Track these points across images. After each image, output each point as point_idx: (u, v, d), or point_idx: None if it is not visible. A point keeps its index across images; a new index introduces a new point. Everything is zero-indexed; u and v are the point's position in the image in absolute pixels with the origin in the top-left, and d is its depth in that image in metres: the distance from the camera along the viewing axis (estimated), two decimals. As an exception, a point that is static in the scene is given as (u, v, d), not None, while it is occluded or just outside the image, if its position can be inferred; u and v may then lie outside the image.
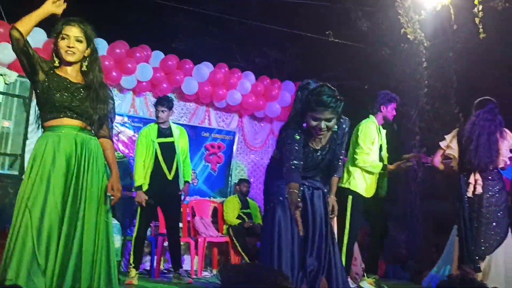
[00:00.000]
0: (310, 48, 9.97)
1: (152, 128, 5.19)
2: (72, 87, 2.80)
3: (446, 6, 6.19)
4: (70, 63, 2.83)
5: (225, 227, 6.39)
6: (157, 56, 6.57)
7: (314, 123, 3.09)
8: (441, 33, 6.75)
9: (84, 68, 2.87)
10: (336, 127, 3.17)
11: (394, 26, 6.84)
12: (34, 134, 5.89)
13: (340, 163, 3.44)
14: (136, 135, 6.11)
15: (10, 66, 5.59)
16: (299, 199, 3.07)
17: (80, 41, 2.80)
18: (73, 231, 2.67)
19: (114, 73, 6.12)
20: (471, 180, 4.01)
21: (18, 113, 5.55)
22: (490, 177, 4.02)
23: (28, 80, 5.67)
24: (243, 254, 5.96)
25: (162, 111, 5.13)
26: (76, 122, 2.79)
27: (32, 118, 5.75)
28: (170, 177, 5.11)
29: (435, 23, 6.59)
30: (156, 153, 5.08)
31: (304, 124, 3.16)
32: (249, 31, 10.04)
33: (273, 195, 3.31)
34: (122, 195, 2.89)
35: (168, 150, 5.14)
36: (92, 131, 2.88)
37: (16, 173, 5.43)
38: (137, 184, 5.06)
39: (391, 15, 6.82)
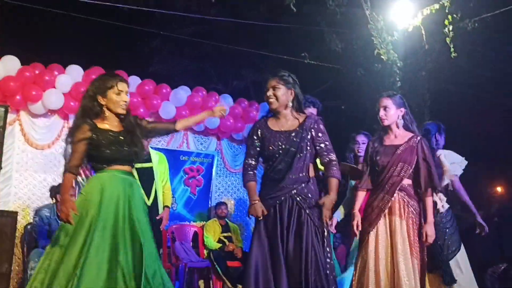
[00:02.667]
0: (286, 70, 10.03)
1: (130, 154, 5.15)
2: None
3: (417, 27, 6.35)
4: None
5: (206, 251, 6.32)
6: (134, 81, 6.55)
7: (266, 95, 3.31)
8: (413, 53, 6.90)
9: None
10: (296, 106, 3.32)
11: (367, 46, 6.98)
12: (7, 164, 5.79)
13: (327, 160, 3.19)
14: (114, 161, 6.03)
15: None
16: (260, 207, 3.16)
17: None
18: None
19: (90, 99, 6.07)
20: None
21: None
22: None
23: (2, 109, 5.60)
24: (224, 278, 5.90)
25: (140, 136, 5.11)
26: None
27: (5, 147, 5.67)
28: (148, 203, 5.06)
29: (407, 43, 6.75)
30: (133, 179, 5.03)
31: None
32: (226, 53, 10.10)
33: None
34: None
35: (146, 176, 5.09)
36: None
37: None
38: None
39: (364, 36, 6.95)
